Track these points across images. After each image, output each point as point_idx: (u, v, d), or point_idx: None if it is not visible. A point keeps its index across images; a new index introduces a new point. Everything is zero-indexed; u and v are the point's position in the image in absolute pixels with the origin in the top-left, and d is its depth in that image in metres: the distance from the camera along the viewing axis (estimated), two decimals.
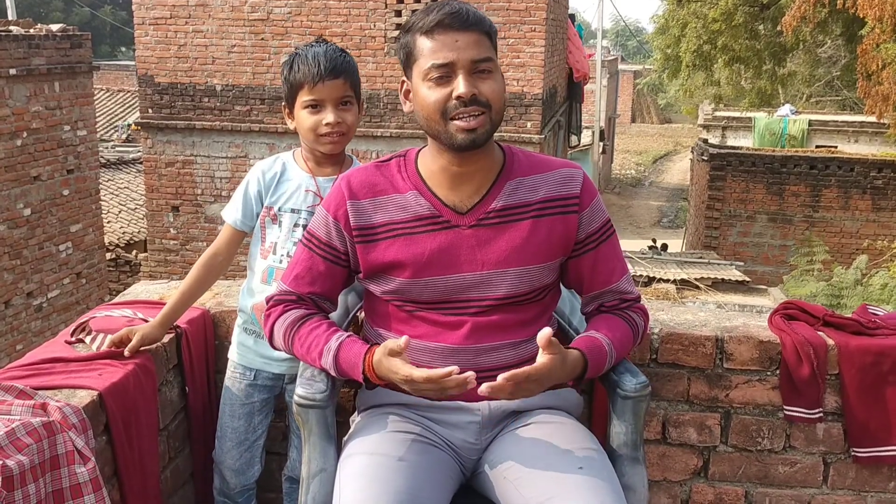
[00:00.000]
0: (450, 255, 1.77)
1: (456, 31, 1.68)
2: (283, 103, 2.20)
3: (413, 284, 1.78)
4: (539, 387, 1.65)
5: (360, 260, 1.82)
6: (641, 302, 1.93)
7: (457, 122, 1.69)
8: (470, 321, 1.79)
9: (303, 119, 2.13)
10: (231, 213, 2.21)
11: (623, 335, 1.83)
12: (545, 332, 1.61)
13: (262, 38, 10.44)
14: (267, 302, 1.92)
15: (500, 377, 1.58)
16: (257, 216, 2.20)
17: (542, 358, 1.62)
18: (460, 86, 1.67)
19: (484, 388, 1.58)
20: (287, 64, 2.15)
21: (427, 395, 1.66)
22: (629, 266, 1.82)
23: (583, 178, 1.84)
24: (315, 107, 2.11)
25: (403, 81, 1.81)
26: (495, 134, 1.76)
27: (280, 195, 2.18)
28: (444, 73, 1.69)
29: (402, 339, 1.62)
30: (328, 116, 2.09)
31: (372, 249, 1.80)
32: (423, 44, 1.71)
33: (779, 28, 15.51)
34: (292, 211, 2.17)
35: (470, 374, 1.58)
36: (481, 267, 1.77)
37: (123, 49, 45.69)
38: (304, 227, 2.13)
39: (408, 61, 1.76)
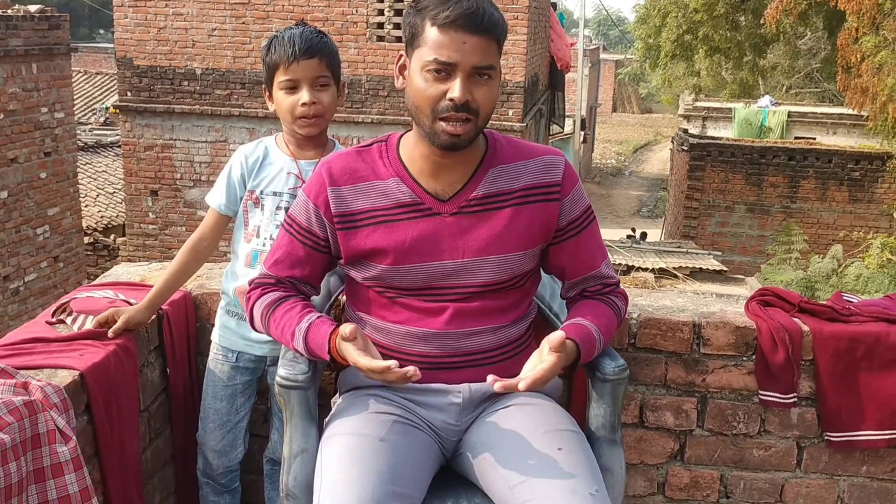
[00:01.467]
0: (431, 243, 1.78)
1: (466, 32, 1.65)
2: (264, 86, 2.22)
3: (394, 271, 1.79)
4: (545, 383, 1.67)
5: (341, 246, 1.82)
6: (621, 287, 1.96)
7: (443, 124, 1.68)
8: (451, 307, 1.80)
9: (280, 100, 2.14)
10: (215, 198, 2.22)
11: (608, 321, 1.86)
12: (558, 337, 1.64)
13: (244, 22, 10.37)
14: (249, 285, 1.93)
15: (521, 385, 1.61)
16: (241, 200, 2.21)
17: (551, 357, 1.65)
18: (456, 89, 1.65)
19: (497, 386, 1.61)
20: (265, 47, 2.17)
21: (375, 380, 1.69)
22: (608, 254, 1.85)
23: (564, 166, 1.85)
24: (292, 88, 2.12)
25: (402, 55, 1.78)
26: None
27: (262, 178, 2.19)
28: (445, 71, 1.66)
29: (349, 328, 1.64)
30: (304, 96, 2.10)
31: (353, 236, 1.80)
32: (431, 34, 1.67)
33: (761, 20, 15.58)
34: (274, 194, 2.18)
35: (411, 368, 1.60)
36: (462, 255, 1.79)
37: (102, 31, 45.18)
38: (286, 209, 2.14)
39: (412, 41, 1.72)
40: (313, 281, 1.92)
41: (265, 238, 2.18)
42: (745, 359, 2.27)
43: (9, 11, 9.37)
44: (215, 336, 2.29)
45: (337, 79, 2.18)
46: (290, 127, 2.17)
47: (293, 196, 2.14)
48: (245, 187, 2.20)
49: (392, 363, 1.59)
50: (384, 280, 1.81)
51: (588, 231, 1.88)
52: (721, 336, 2.26)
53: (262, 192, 2.19)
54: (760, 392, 2.27)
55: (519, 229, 1.80)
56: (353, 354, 1.65)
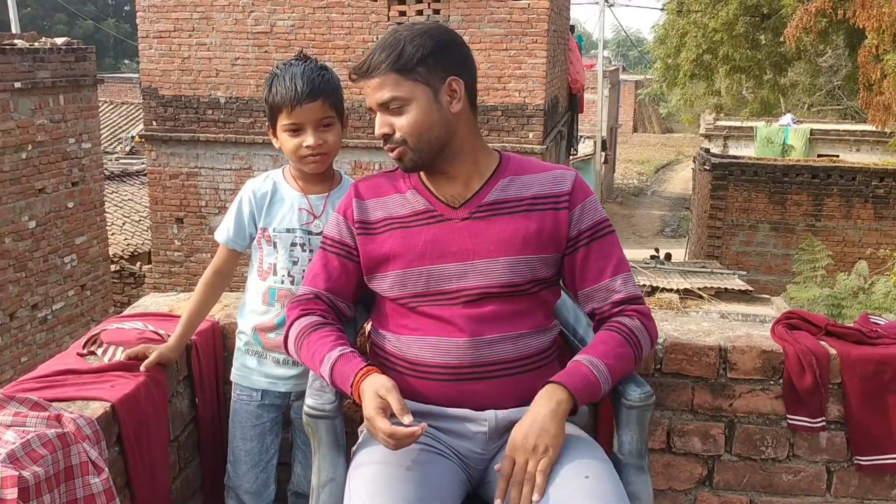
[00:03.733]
0: (442, 246, 1.85)
1: (362, 78, 1.84)
2: (268, 124, 2.20)
3: (407, 275, 1.86)
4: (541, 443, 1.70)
5: (360, 254, 1.92)
6: (641, 304, 1.92)
7: (389, 153, 1.88)
8: (465, 312, 1.83)
9: (284, 141, 2.13)
10: (223, 234, 2.21)
11: (618, 352, 1.81)
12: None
13: (266, 51, 10.51)
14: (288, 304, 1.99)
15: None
16: (251, 236, 2.21)
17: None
18: (375, 128, 1.86)
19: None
20: (266, 85, 2.14)
21: (371, 433, 1.71)
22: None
23: (574, 178, 1.91)
24: (295, 130, 2.10)
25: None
26: (497, 144, 1.83)
27: (273, 216, 2.19)
28: (374, 114, 1.88)
29: (407, 419, 1.65)
30: (308, 139, 2.09)
31: (370, 242, 1.90)
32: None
33: (781, 39, 15.54)
34: (287, 231, 2.18)
35: (418, 427, 1.64)
36: (472, 256, 1.84)
37: (127, 61, 45.86)
38: (301, 245, 2.17)
39: None
40: (348, 296, 1.97)
41: (282, 275, 2.18)
42: (772, 383, 2.26)
43: (36, 44, 9.55)
44: (235, 377, 2.27)
45: (341, 115, 2.16)
46: (295, 164, 2.18)
47: (306, 232, 2.17)
48: (255, 224, 2.20)
49: (399, 430, 1.63)
50: (398, 285, 1.87)
51: (600, 243, 1.89)
52: (748, 360, 2.25)
53: (274, 230, 2.18)
54: (788, 416, 2.25)
55: (529, 232, 1.85)
56: (370, 405, 1.68)
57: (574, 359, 1.81)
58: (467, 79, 1.86)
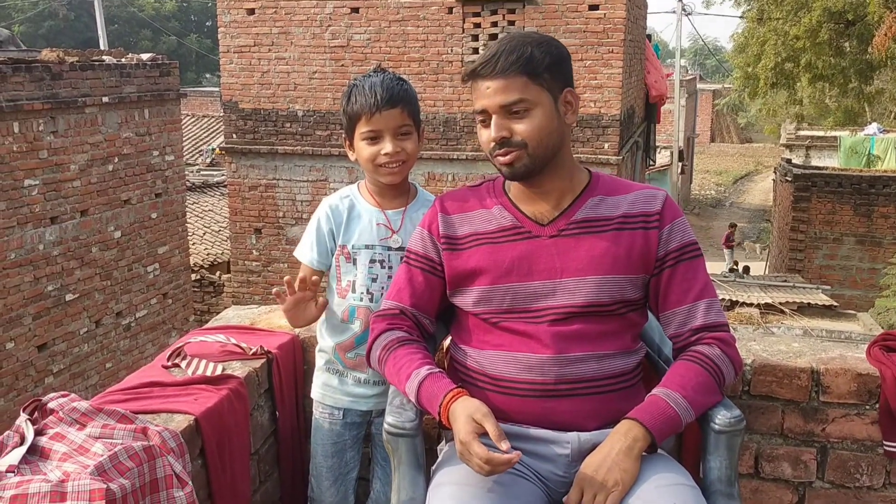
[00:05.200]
0: (529, 263, 1.83)
1: (484, 78, 1.79)
2: (344, 135, 2.20)
3: (493, 291, 1.84)
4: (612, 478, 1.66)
5: (446, 268, 1.90)
6: (723, 332, 1.84)
7: (498, 158, 1.81)
8: (550, 329, 1.80)
9: (362, 150, 2.12)
10: (306, 254, 2.21)
11: (697, 382, 1.75)
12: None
13: (342, 65, 10.64)
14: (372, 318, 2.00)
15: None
16: (332, 254, 2.21)
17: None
18: (492, 130, 1.80)
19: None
20: (345, 96, 2.15)
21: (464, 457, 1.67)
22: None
23: (665, 198, 1.88)
24: (373, 138, 2.10)
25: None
26: (574, 155, 1.81)
27: (352, 233, 2.19)
28: (483, 117, 1.82)
29: (504, 445, 1.61)
30: (386, 146, 2.09)
31: (456, 258, 1.89)
32: (471, 88, 1.85)
33: (866, 46, 15.06)
34: (366, 247, 2.18)
35: (514, 455, 1.60)
36: (560, 274, 1.81)
37: (208, 75, 47.14)
38: (381, 262, 2.16)
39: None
40: (431, 312, 1.97)
41: (361, 293, 2.17)
42: (867, 407, 2.16)
43: (123, 60, 9.86)
44: (317, 395, 2.28)
45: (418, 125, 2.16)
46: (371, 175, 2.17)
47: (385, 248, 2.16)
48: (335, 241, 2.20)
49: (496, 456, 1.59)
50: (483, 301, 1.85)
51: (686, 265, 1.84)
52: (842, 383, 2.16)
53: (353, 247, 2.18)
54: (885, 443, 2.15)
55: (618, 253, 1.81)
56: (464, 428, 1.64)
57: (651, 393, 1.76)
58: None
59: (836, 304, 11.23)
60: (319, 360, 2.28)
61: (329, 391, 2.25)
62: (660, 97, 13.89)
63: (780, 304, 10.69)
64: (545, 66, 1.79)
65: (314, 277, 2.07)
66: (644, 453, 1.70)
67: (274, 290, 2.10)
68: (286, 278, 2.08)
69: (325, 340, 2.25)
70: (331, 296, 2.23)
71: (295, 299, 2.06)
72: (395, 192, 2.20)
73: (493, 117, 1.78)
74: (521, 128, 1.77)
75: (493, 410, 1.76)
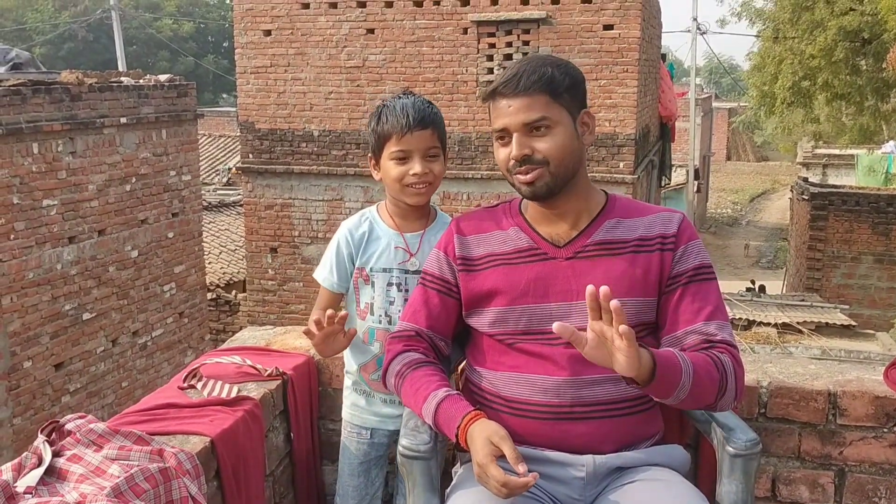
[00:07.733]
0: (545, 284, 1.83)
1: (506, 97, 1.80)
2: (370, 154, 2.22)
3: (509, 313, 1.84)
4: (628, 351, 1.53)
5: (462, 289, 1.91)
6: (737, 352, 1.80)
7: (518, 177, 1.83)
8: (566, 352, 1.79)
9: (389, 169, 2.14)
10: (326, 277, 2.23)
11: (704, 368, 1.67)
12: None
13: (358, 85, 10.70)
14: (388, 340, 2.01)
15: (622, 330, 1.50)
16: (351, 275, 2.23)
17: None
18: (513, 149, 1.80)
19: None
20: (375, 115, 2.17)
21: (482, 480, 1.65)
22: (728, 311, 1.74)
23: (681, 220, 1.88)
24: (402, 158, 2.12)
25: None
26: (589, 175, 1.83)
27: (370, 255, 2.20)
28: (502, 136, 1.83)
29: (521, 468, 1.59)
30: (415, 167, 2.10)
31: (473, 278, 1.90)
32: (490, 107, 1.85)
33: (883, 64, 15.02)
34: (384, 270, 2.19)
35: (531, 478, 1.57)
36: (576, 296, 1.80)
37: (225, 95, 47.50)
38: (398, 285, 2.17)
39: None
40: (447, 333, 1.98)
41: (380, 315, 2.19)
42: (885, 430, 2.14)
43: (141, 81, 9.96)
44: (346, 414, 2.31)
45: (444, 148, 2.19)
46: (396, 196, 2.17)
47: (403, 271, 2.17)
48: (353, 264, 2.21)
49: (514, 480, 1.57)
50: (499, 323, 1.85)
51: (698, 285, 1.82)
52: (859, 406, 2.14)
53: (371, 269, 2.20)
54: None
55: (635, 276, 1.81)
56: (482, 451, 1.63)
57: (675, 352, 1.66)
58: None
59: (854, 323, 11.14)
60: (347, 380, 2.32)
61: (357, 411, 2.28)
62: (669, 117, 13.88)
63: (798, 323, 10.61)
64: (565, 86, 1.81)
65: (342, 313, 2.05)
66: (633, 387, 1.62)
67: (303, 328, 2.10)
68: (314, 318, 2.06)
69: (349, 362, 2.29)
70: (351, 317, 2.24)
71: (324, 334, 2.05)
72: (416, 214, 2.21)
73: (515, 135, 1.80)
74: (542, 146, 1.79)
75: (508, 433, 1.76)
